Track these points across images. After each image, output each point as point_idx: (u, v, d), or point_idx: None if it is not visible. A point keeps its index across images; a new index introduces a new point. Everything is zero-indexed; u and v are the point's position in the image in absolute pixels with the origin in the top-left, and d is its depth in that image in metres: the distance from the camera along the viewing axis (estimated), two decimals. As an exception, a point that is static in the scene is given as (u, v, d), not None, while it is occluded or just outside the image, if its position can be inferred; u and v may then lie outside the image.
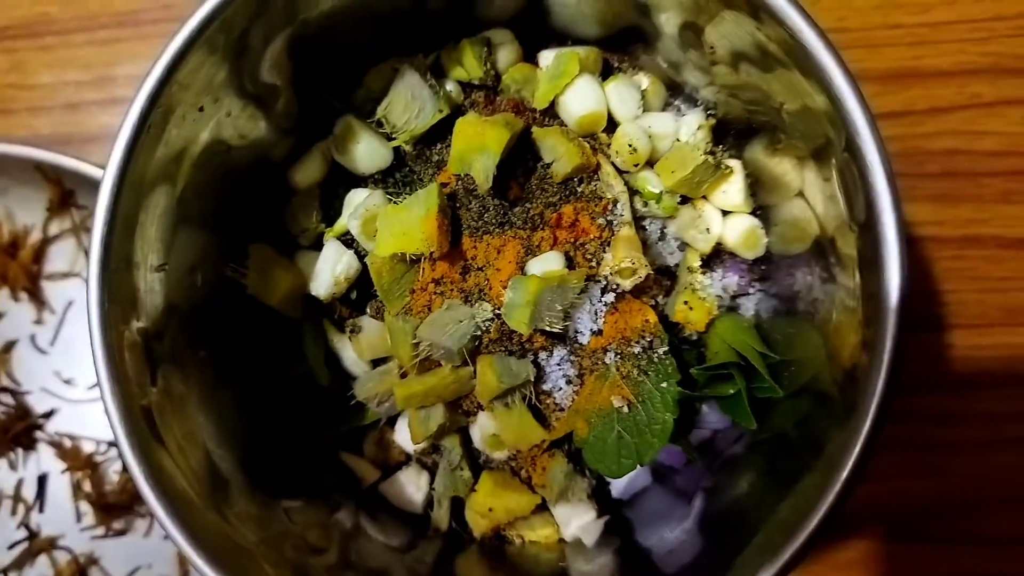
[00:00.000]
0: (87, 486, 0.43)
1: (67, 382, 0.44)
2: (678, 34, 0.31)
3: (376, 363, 0.34)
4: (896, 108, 0.43)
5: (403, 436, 0.33)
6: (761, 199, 0.33)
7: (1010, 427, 0.40)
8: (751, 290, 0.33)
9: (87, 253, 0.30)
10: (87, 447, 0.44)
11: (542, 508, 0.33)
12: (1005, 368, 0.41)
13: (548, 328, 0.29)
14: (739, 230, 0.32)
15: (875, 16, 0.44)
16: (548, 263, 0.30)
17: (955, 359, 0.41)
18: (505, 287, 0.30)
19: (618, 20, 0.32)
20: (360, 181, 0.34)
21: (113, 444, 0.43)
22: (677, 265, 0.32)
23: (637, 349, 0.30)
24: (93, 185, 0.37)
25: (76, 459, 0.43)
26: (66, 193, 0.43)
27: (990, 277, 0.42)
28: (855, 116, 0.24)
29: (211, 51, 0.28)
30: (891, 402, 0.24)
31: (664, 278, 0.33)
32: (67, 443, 0.44)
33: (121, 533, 0.43)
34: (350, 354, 0.33)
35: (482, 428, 0.32)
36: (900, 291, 0.24)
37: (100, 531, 0.43)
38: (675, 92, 0.35)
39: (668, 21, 0.30)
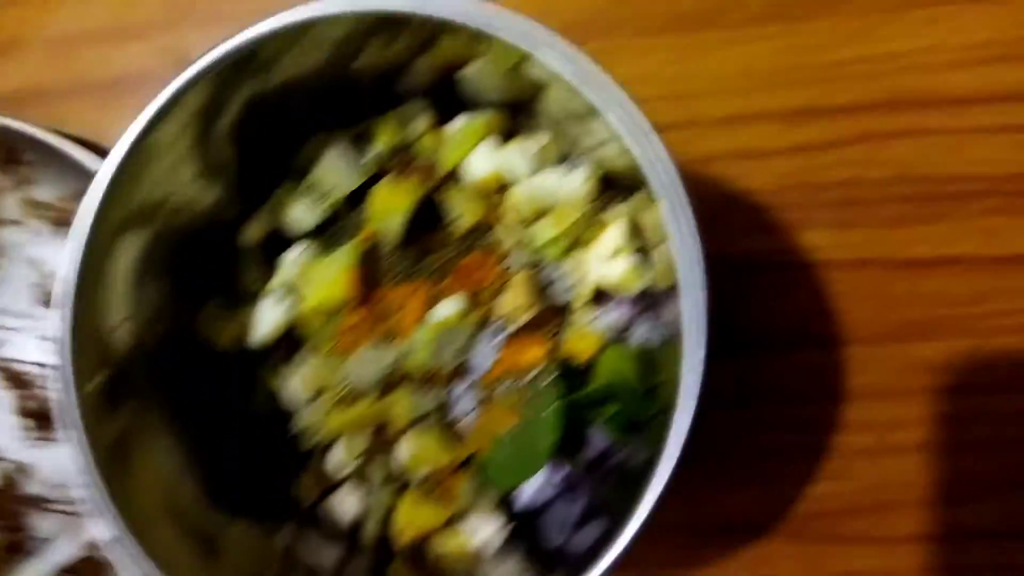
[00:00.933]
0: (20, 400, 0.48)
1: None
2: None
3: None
4: (798, 142, 0.47)
5: (336, 460, 0.38)
6: (645, 240, 0.37)
7: (903, 434, 0.44)
8: (638, 321, 0.38)
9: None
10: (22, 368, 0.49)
11: (457, 520, 0.38)
12: (897, 379, 0.45)
13: (446, 365, 0.34)
14: (618, 271, 0.36)
15: (777, 59, 0.48)
16: (449, 307, 0.34)
17: (850, 371, 0.45)
18: (413, 328, 0.34)
19: (516, 95, 0.37)
20: (298, 239, 0.38)
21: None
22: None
23: (526, 380, 0.35)
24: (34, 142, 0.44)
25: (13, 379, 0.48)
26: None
27: (883, 295, 0.45)
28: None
29: (184, 117, 0.32)
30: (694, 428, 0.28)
31: (561, 316, 0.37)
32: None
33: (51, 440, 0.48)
34: (291, 389, 0.38)
35: (403, 451, 0.37)
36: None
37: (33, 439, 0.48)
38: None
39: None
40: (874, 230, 0.46)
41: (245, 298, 0.39)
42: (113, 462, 0.33)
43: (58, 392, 0.32)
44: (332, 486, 0.39)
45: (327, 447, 0.39)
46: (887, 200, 0.46)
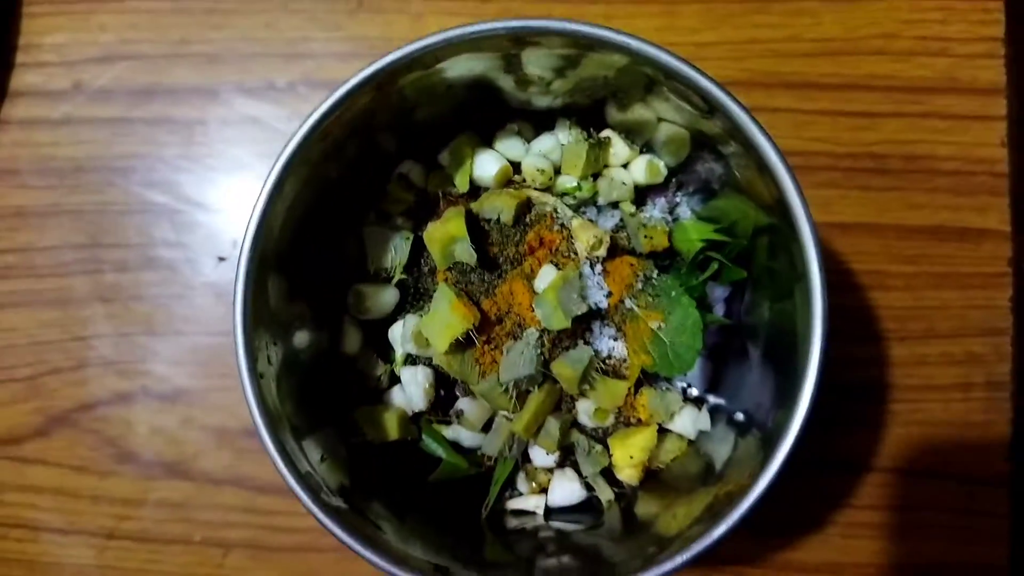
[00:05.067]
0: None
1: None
2: (514, 84, 0.41)
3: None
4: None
5: (540, 458, 0.41)
6: (640, 140, 0.43)
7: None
8: (678, 199, 0.43)
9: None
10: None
11: (663, 433, 0.42)
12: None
13: (578, 313, 0.38)
14: (641, 169, 0.42)
15: (655, 36, 0.54)
16: (546, 276, 0.39)
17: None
18: (532, 310, 0.39)
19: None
20: (391, 318, 0.42)
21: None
22: (617, 225, 0.42)
23: (639, 285, 0.39)
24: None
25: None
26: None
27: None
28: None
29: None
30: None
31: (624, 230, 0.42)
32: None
33: None
34: (465, 433, 0.42)
35: (585, 411, 0.41)
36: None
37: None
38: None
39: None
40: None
41: (381, 392, 0.42)
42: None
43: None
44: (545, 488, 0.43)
45: (525, 456, 0.42)
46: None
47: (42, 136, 0.54)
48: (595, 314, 0.40)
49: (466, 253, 0.39)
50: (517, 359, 0.38)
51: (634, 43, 0.32)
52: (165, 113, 0.54)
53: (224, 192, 0.53)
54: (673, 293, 0.39)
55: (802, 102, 0.52)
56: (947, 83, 0.52)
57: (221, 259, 0.53)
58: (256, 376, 0.33)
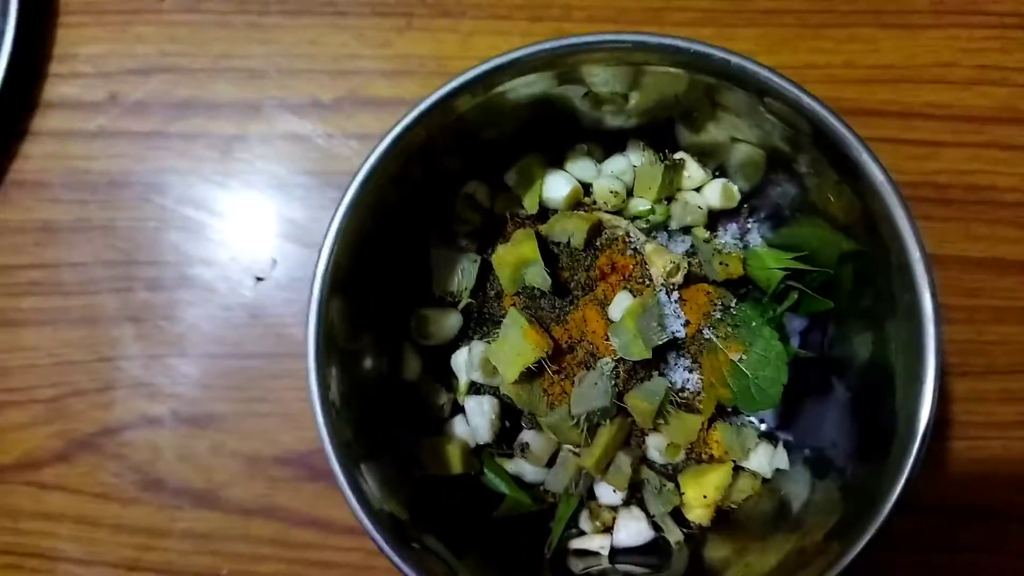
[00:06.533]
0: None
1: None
2: (584, 102, 0.39)
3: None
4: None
5: (607, 495, 0.39)
6: (713, 163, 0.42)
7: None
8: (750, 224, 0.42)
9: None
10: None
11: (737, 471, 0.40)
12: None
13: (659, 342, 0.36)
14: (716, 193, 0.40)
15: None
16: (622, 303, 0.37)
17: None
18: (606, 339, 0.37)
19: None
20: (453, 345, 0.40)
21: None
22: (688, 251, 0.40)
23: (719, 314, 0.38)
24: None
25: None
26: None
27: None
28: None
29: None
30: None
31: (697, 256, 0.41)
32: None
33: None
34: (529, 468, 0.39)
35: (656, 447, 0.39)
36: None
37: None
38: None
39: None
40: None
41: (443, 421, 0.40)
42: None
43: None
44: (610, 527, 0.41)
45: (590, 493, 0.40)
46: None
47: (75, 149, 0.52)
48: (671, 344, 0.38)
49: (539, 277, 0.37)
50: (590, 390, 0.36)
51: (734, 60, 0.31)
52: (203, 128, 0.52)
53: (263, 210, 0.51)
54: (754, 324, 0.37)
55: (861, 129, 0.49)
56: (1008, 113, 0.51)
57: (259, 279, 0.51)
58: (329, 406, 0.31)
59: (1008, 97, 0.51)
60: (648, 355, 0.36)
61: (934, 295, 0.30)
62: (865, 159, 0.31)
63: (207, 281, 0.51)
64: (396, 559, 0.30)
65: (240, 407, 0.50)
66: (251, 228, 0.51)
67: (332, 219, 0.32)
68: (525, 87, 0.35)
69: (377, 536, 0.30)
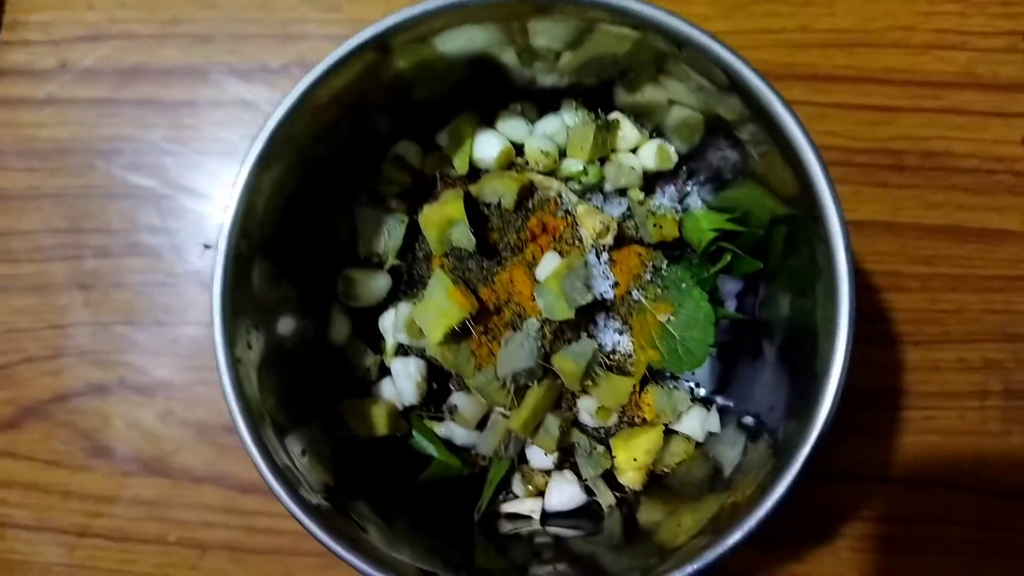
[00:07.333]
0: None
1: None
2: (519, 59, 0.39)
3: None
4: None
5: (539, 459, 0.39)
6: (650, 124, 0.41)
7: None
8: (688, 187, 0.41)
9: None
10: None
11: (670, 435, 0.39)
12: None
13: (583, 302, 0.36)
14: (651, 154, 0.40)
15: None
16: (549, 264, 0.37)
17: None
18: (533, 300, 0.36)
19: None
20: (382, 306, 0.40)
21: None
22: (624, 213, 0.40)
23: (649, 276, 0.37)
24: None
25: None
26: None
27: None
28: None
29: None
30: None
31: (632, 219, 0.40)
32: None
33: None
34: (459, 431, 0.39)
35: (587, 410, 0.38)
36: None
37: None
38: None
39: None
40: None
41: (370, 383, 0.40)
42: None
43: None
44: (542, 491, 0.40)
45: (521, 457, 0.40)
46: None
47: (25, 116, 0.52)
48: (600, 305, 0.37)
49: (464, 238, 0.36)
50: (516, 351, 0.36)
51: (655, 13, 0.30)
52: (153, 95, 0.52)
53: (212, 177, 0.51)
54: (684, 285, 0.37)
55: (816, 95, 0.50)
56: (966, 78, 0.50)
57: (207, 246, 0.50)
58: (234, 361, 0.30)
59: (967, 62, 0.50)
60: (570, 315, 0.35)
61: (850, 260, 0.30)
62: (784, 116, 0.30)
63: (156, 249, 0.51)
64: (298, 513, 0.30)
65: (189, 375, 0.50)
66: (200, 195, 0.51)
67: (239, 171, 0.31)
68: (453, 41, 0.35)
69: (279, 490, 0.30)
